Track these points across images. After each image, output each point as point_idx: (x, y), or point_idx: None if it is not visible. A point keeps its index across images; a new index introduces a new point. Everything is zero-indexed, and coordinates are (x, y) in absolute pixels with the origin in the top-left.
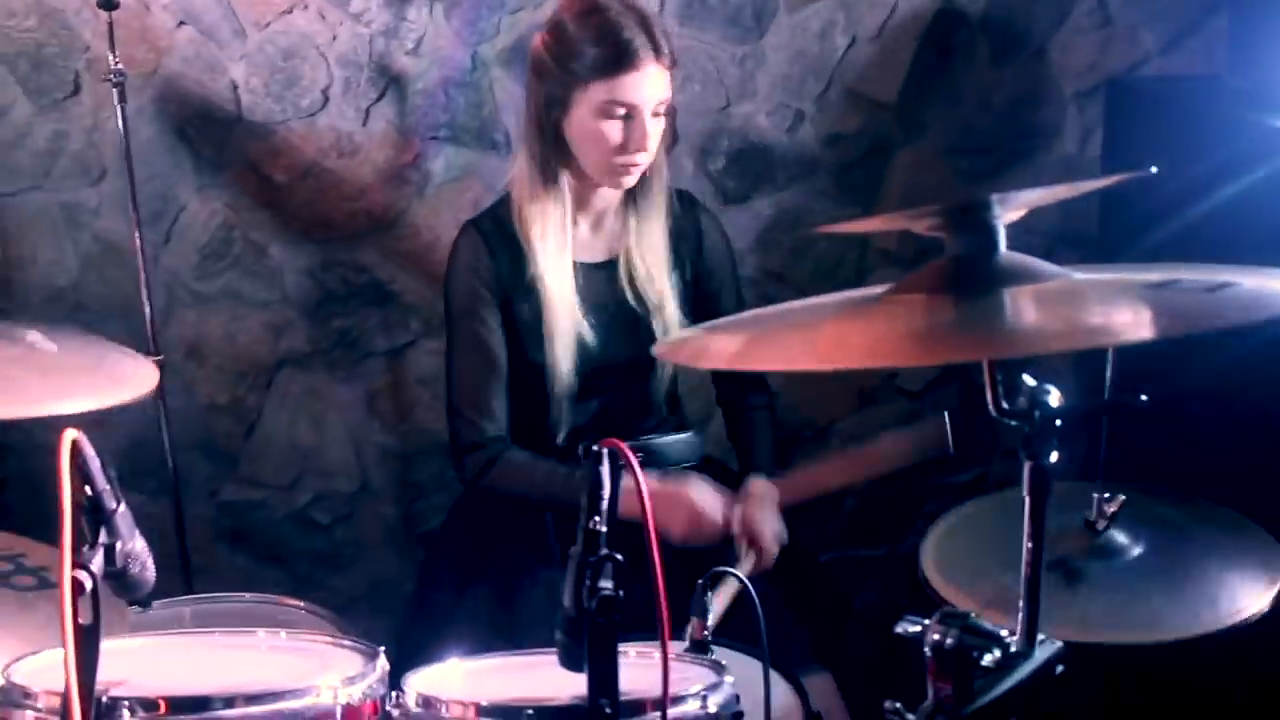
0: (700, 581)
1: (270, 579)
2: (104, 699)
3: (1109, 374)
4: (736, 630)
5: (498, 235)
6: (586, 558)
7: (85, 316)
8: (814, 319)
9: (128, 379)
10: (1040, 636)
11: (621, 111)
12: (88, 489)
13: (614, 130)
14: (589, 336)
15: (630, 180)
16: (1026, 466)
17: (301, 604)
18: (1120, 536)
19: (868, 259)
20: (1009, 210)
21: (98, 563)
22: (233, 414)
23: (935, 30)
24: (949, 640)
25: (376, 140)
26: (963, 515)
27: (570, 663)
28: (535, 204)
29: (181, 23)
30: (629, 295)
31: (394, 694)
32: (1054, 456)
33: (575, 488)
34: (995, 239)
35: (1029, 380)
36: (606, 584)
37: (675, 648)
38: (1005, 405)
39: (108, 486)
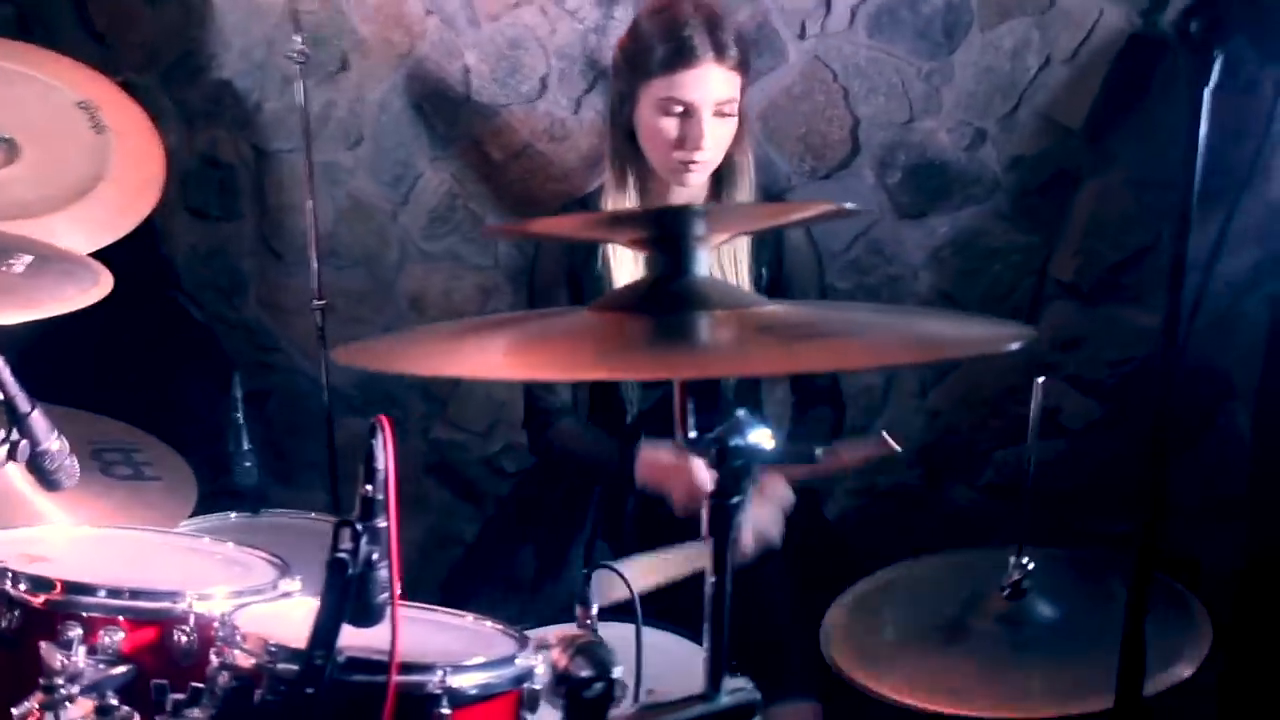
0: (584, 572)
1: (463, 513)
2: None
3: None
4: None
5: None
6: (344, 524)
7: (335, 261)
8: (514, 328)
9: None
10: (739, 685)
11: (679, 109)
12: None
13: (672, 127)
14: None
15: (694, 178)
16: (709, 504)
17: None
18: (1041, 604)
19: (1046, 288)
20: (712, 234)
21: None
22: None
23: (1131, 55)
24: (564, 661)
25: (585, 128)
26: (858, 593)
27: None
28: (613, 197)
29: (429, 10)
30: None
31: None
32: (737, 498)
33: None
34: (692, 261)
35: (739, 413)
36: (342, 552)
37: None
38: (693, 434)
39: (18, 392)
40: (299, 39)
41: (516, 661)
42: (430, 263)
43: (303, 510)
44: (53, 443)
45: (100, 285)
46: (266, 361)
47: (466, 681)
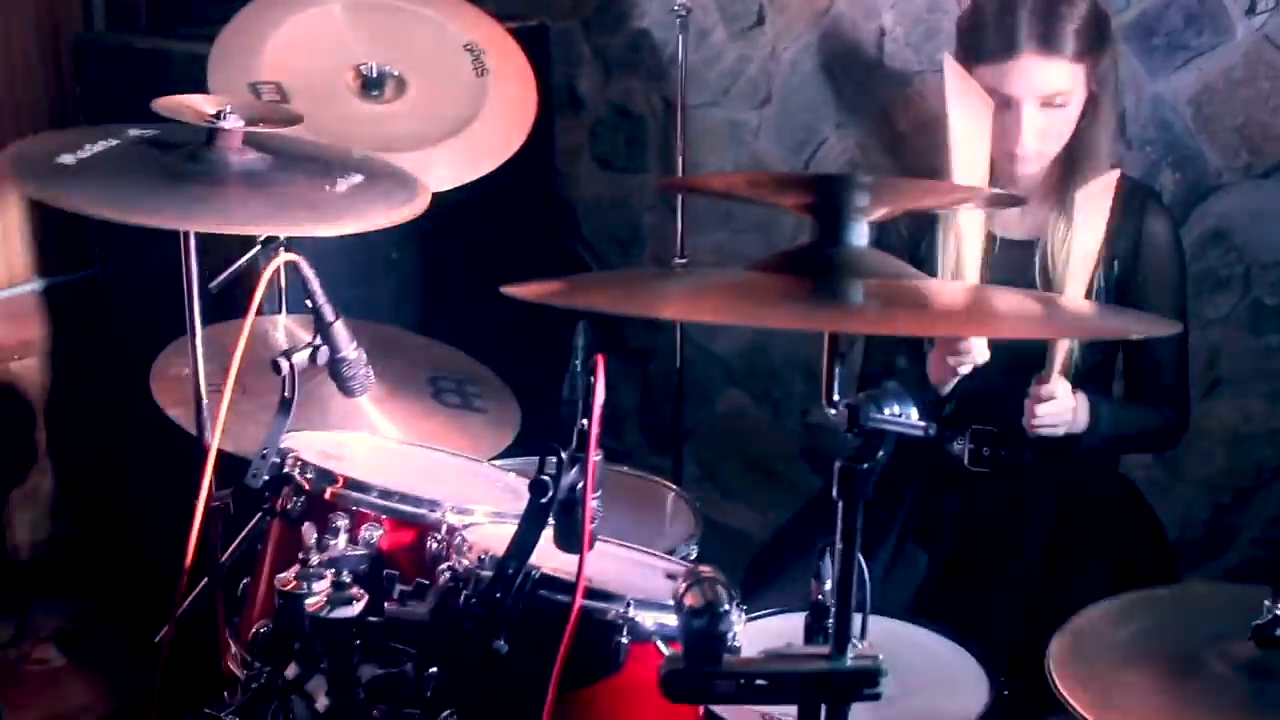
0: (821, 547)
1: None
2: (290, 455)
3: None
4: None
5: None
6: (552, 451)
7: (734, 224)
8: (688, 282)
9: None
10: (865, 652)
11: (998, 100)
12: (308, 302)
13: (993, 120)
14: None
15: (1024, 169)
16: (837, 466)
17: (673, 487)
18: None
19: None
20: (873, 206)
21: (301, 356)
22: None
23: None
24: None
25: None
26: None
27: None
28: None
29: None
30: (1039, 280)
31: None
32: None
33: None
34: (848, 230)
35: (888, 384)
36: (546, 475)
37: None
38: (834, 396)
39: (325, 302)
40: None
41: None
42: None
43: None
44: (351, 351)
45: (417, 202)
46: (655, 321)
47: (649, 619)
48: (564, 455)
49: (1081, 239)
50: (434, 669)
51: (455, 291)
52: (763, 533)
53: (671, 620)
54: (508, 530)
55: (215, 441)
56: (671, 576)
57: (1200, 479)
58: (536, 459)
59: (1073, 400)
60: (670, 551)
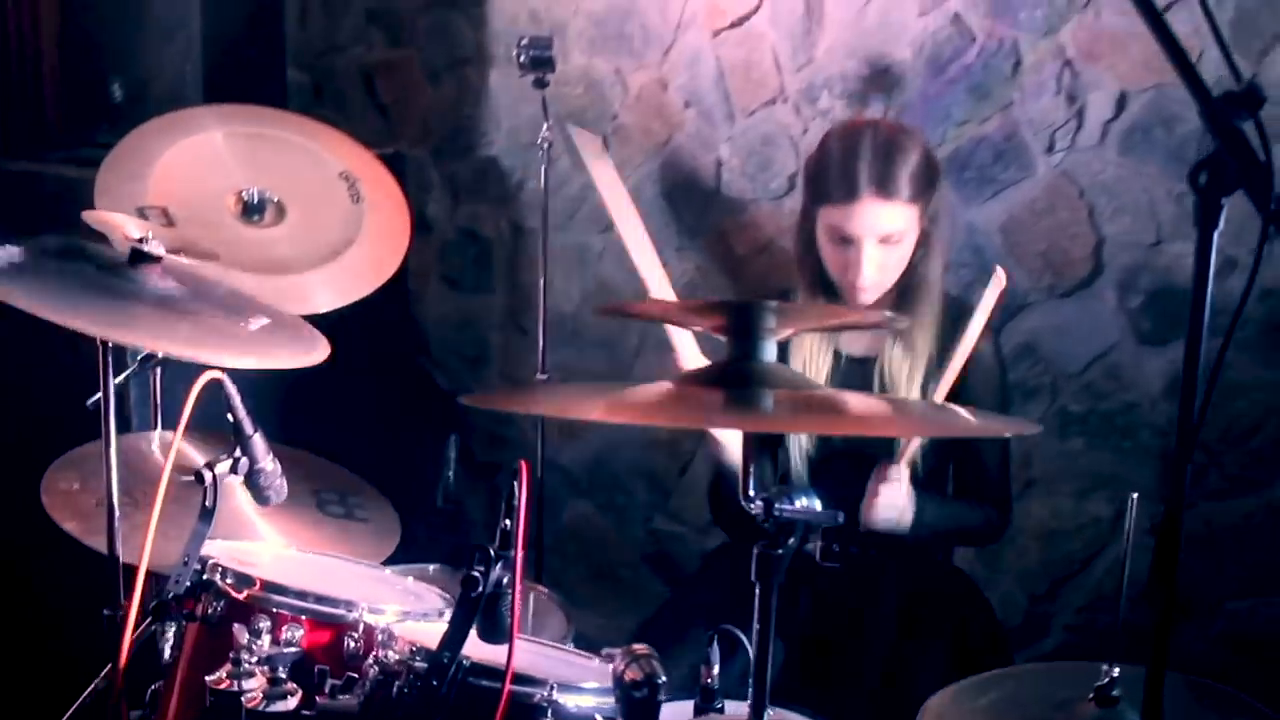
0: (709, 634)
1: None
2: (209, 563)
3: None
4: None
5: None
6: (479, 549)
7: (578, 341)
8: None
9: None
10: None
11: (841, 237)
12: (229, 416)
13: (837, 252)
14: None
15: (865, 298)
16: (755, 551)
17: (544, 590)
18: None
19: None
20: (779, 328)
21: (223, 467)
22: (669, 451)
23: None
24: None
25: None
26: (982, 680)
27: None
28: (804, 295)
29: (688, 103)
30: (876, 391)
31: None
32: (780, 550)
33: None
34: (762, 346)
35: (794, 478)
36: (477, 570)
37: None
38: (750, 492)
39: (245, 416)
40: (546, 127)
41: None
42: (667, 352)
43: None
44: (268, 463)
45: (317, 352)
46: (500, 435)
47: (571, 701)
48: (492, 553)
49: (910, 354)
50: None
51: (317, 405)
52: (609, 637)
53: (587, 701)
54: (424, 627)
55: (143, 559)
56: (575, 665)
57: (1017, 570)
58: (427, 565)
59: (908, 489)
60: None
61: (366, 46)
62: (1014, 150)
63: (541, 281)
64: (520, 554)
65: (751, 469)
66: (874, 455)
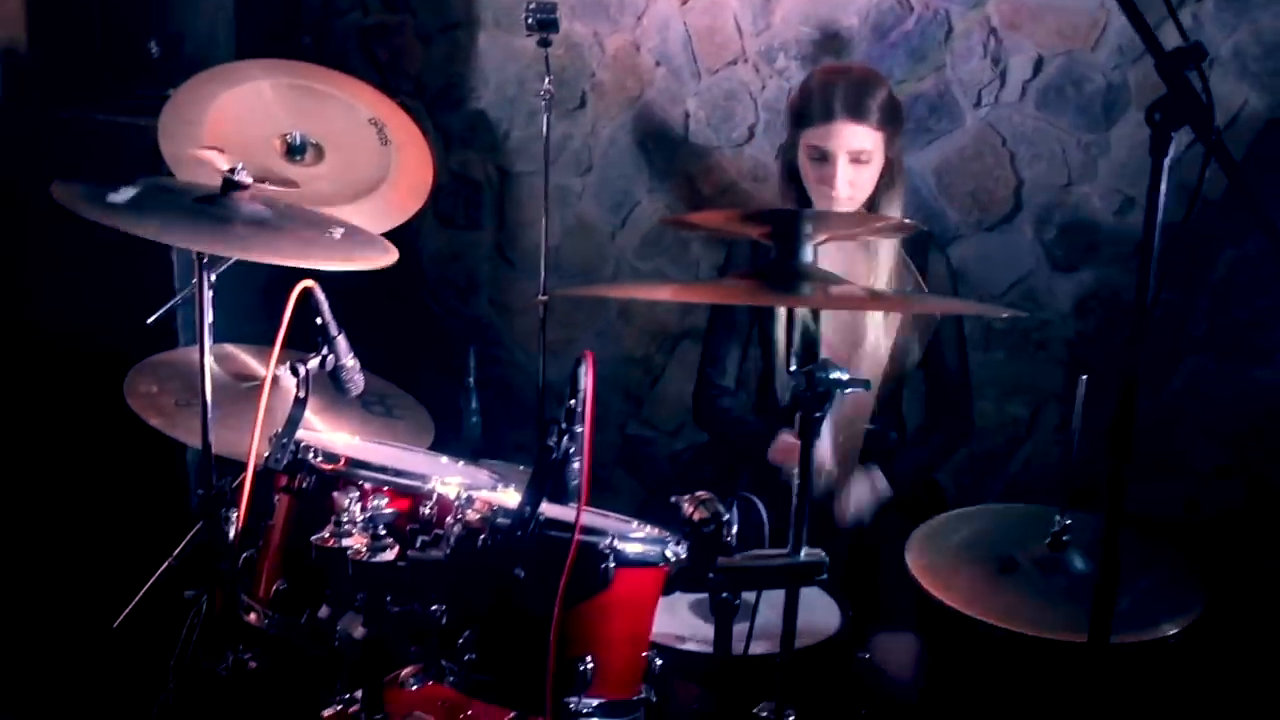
0: (730, 499)
1: (640, 499)
2: (302, 444)
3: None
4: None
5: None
6: (554, 422)
7: (559, 272)
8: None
9: (371, 261)
10: (813, 551)
11: (819, 155)
12: (318, 319)
13: (816, 170)
14: (811, 326)
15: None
16: (798, 417)
17: None
18: (1076, 558)
19: (1181, 344)
20: (816, 232)
21: (313, 363)
22: (643, 366)
23: (1269, 138)
24: (690, 511)
25: None
26: (937, 523)
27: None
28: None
29: (658, 63)
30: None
31: (468, 497)
32: (819, 414)
33: (750, 439)
34: (800, 247)
35: (823, 357)
36: (550, 439)
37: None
38: (793, 366)
39: (331, 319)
40: (548, 80)
41: (668, 547)
42: (639, 279)
43: (513, 464)
44: (348, 360)
45: (389, 256)
46: (491, 354)
47: (628, 548)
48: (563, 426)
49: (875, 271)
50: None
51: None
52: None
53: (638, 548)
54: (488, 495)
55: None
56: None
57: (949, 464)
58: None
59: (872, 487)
60: None
61: (364, 11)
62: (946, 105)
63: (544, 216)
64: (589, 429)
65: (793, 342)
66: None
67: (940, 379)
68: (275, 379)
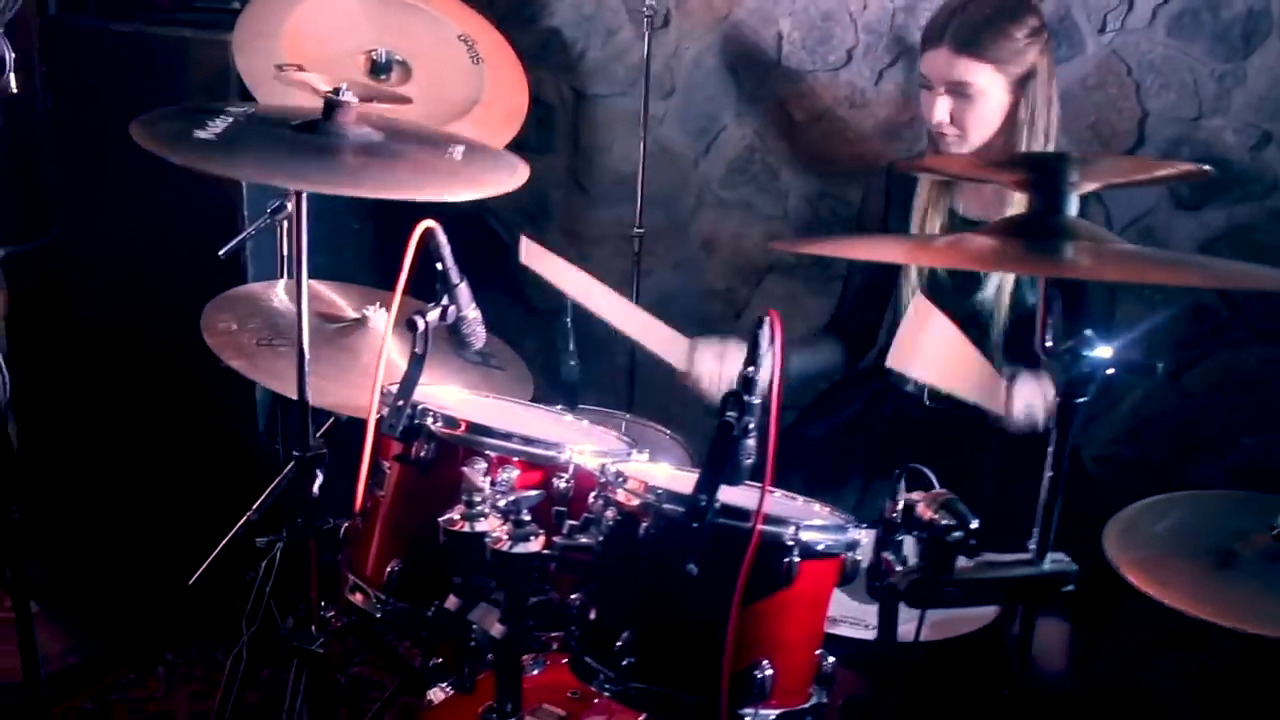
0: (896, 472)
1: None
2: (419, 406)
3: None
4: None
5: (901, 179)
6: (730, 394)
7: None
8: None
9: (501, 183)
10: (1058, 557)
11: (924, 82)
12: (438, 265)
13: (923, 99)
14: (942, 276)
15: (948, 146)
16: (1055, 402)
17: (667, 431)
18: None
19: None
20: (1084, 180)
21: (433, 315)
22: (726, 299)
23: None
24: (929, 513)
25: (883, 98)
26: (1157, 502)
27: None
28: (930, 155)
29: None
30: None
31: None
32: (1083, 397)
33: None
34: (1064, 200)
35: (1086, 332)
36: (731, 414)
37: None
38: (1049, 344)
39: (453, 265)
40: None
41: (849, 531)
42: (724, 209)
43: (614, 411)
44: (470, 310)
45: (520, 173)
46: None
47: (814, 537)
48: (745, 399)
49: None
50: (589, 596)
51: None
52: None
53: (830, 539)
54: (632, 468)
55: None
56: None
57: None
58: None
59: (1042, 396)
60: None
61: None
62: (1066, 30)
63: (642, 142)
64: (777, 402)
65: (1050, 316)
66: (967, 304)
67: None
68: (412, 325)
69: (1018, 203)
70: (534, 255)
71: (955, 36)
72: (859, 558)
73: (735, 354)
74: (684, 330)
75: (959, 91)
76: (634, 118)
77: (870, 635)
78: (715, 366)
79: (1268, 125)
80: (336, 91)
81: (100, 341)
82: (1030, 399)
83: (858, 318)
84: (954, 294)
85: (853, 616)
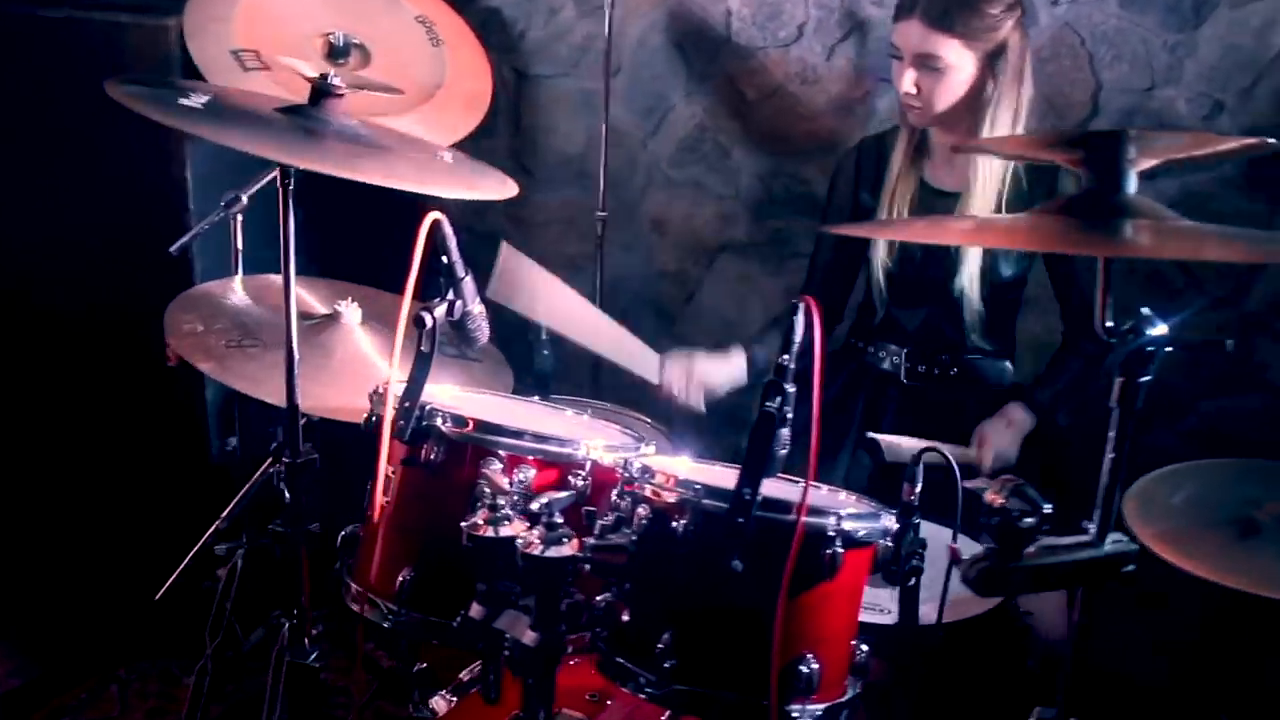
0: (916, 454)
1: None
2: (427, 408)
3: None
4: None
5: (874, 153)
6: (770, 383)
7: (584, 181)
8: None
9: (489, 188)
10: (1118, 537)
11: (893, 52)
12: (444, 258)
13: (893, 69)
14: (913, 251)
15: (912, 119)
16: (1118, 383)
17: (647, 419)
18: None
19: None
20: (1142, 156)
21: (440, 311)
22: (678, 282)
23: None
24: (999, 499)
25: (835, 74)
26: (1168, 474)
27: None
28: (901, 132)
29: None
30: None
31: (628, 461)
32: (1146, 377)
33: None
34: (1123, 177)
35: (1144, 311)
36: (771, 404)
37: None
38: (1110, 324)
39: (459, 259)
40: None
41: (882, 518)
42: (674, 189)
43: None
44: (475, 306)
45: (509, 185)
46: None
47: (854, 526)
48: (786, 389)
49: (986, 191)
50: (620, 596)
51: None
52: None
53: (868, 527)
54: (670, 462)
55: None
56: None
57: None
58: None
59: (1010, 435)
60: None
61: None
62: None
63: (604, 123)
64: (818, 390)
65: (1108, 296)
66: (939, 278)
67: (1071, 302)
68: (420, 322)
69: (987, 174)
70: (509, 270)
71: (927, 10)
72: (890, 544)
73: (702, 365)
74: (635, 313)
75: (927, 64)
76: (578, 98)
77: (888, 620)
78: (683, 379)
79: (1219, 95)
80: (325, 77)
81: (37, 345)
82: (1001, 447)
83: (824, 295)
84: (926, 269)
85: (868, 602)
